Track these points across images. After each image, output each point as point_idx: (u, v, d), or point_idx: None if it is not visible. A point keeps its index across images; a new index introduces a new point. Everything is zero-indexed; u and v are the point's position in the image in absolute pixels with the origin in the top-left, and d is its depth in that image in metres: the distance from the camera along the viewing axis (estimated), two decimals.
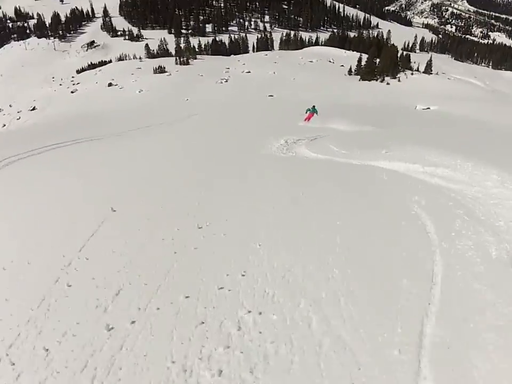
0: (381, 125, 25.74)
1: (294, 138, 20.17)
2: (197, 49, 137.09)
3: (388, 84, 77.59)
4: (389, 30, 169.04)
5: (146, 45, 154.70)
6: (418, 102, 53.65)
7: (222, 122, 30.68)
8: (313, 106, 30.43)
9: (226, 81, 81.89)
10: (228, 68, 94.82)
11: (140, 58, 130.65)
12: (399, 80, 78.58)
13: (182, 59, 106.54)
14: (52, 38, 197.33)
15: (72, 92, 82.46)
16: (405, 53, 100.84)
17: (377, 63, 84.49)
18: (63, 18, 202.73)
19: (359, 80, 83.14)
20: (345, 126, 25.36)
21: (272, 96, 64.61)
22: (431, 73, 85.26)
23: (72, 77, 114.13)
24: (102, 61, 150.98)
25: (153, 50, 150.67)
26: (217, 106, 47.13)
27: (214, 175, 11.96)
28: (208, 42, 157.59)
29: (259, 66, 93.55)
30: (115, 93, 74.99)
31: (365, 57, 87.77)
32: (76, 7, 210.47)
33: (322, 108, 31.42)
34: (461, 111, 43.07)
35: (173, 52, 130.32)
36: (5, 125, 68.53)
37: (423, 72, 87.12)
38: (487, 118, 34.31)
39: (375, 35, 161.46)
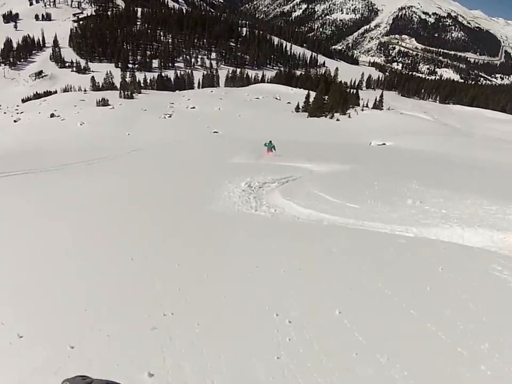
0: (348, 162, 22.04)
1: (258, 180, 16.43)
2: (142, 84, 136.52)
3: (337, 120, 74.33)
4: (337, 68, 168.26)
5: (92, 77, 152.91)
6: (372, 137, 50.74)
7: (164, 160, 28.71)
8: (270, 141, 30.00)
9: (170, 116, 78.54)
10: (173, 103, 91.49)
11: (85, 90, 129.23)
12: (349, 116, 75.53)
13: (126, 93, 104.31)
14: (3, 64, 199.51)
15: (15, 121, 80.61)
16: (352, 90, 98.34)
17: (325, 99, 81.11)
18: (15, 45, 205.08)
19: (308, 117, 79.76)
20: (314, 165, 21.29)
21: (217, 132, 61.92)
22: (382, 109, 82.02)
23: (17, 106, 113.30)
24: (47, 91, 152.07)
25: (98, 83, 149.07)
26: (160, 142, 45.04)
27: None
28: (153, 77, 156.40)
29: (204, 102, 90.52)
30: (56, 125, 71.95)
31: (312, 94, 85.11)
32: (28, 34, 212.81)
33: (276, 145, 30.20)
34: (418, 146, 40.76)
35: (118, 86, 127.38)
36: None
37: (374, 108, 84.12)
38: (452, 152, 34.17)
39: (323, 72, 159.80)
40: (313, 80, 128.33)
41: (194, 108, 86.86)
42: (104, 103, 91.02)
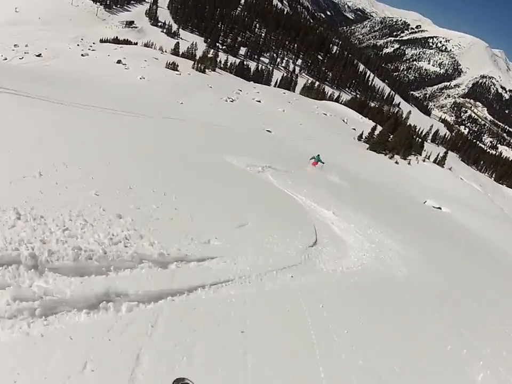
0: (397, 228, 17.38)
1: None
2: (222, 65, 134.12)
3: (396, 162, 68.49)
4: (410, 111, 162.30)
5: (177, 42, 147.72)
6: (427, 195, 44.50)
7: (202, 142, 24.47)
8: (318, 155, 29.95)
9: (232, 101, 74.42)
10: (240, 90, 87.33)
11: (162, 51, 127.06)
12: (409, 163, 69.56)
13: (199, 65, 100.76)
14: (99, 3, 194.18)
15: (82, 55, 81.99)
16: (418, 138, 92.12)
17: (390, 138, 75.37)
18: None
19: (367, 149, 74.10)
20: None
21: (270, 132, 56.74)
22: (443, 167, 75.60)
23: (93, 43, 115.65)
24: (127, 39, 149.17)
25: (180, 50, 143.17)
26: (208, 122, 39.40)
27: None
28: (235, 62, 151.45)
29: (271, 100, 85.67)
30: (118, 71, 71.16)
31: (379, 128, 79.91)
32: None
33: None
34: (475, 224, 35.22)
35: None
36: (6, 59, 75.04)
37: (435, 163, 77.74)
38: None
39: (395, 111, 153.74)
40: (383, 115, 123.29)
41: (260, 101, 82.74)
42: (173, 67, 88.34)
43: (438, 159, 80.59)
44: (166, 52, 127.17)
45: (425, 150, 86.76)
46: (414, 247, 14.02)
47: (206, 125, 36.14)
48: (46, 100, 17.21)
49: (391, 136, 76.71)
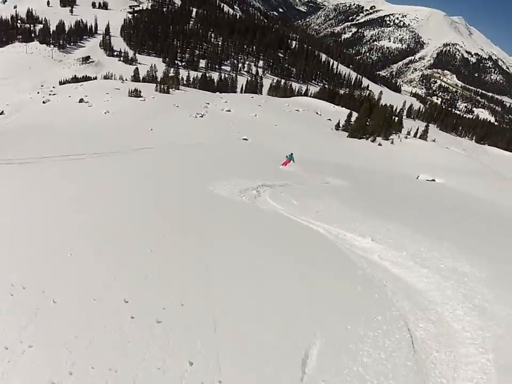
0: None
1: None
2: (185, 82, 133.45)
3: (380, 144, 66.93)
4: (381, 91, 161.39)
5: (136, 68, 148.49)
6: (418, 170, 43.03)
7: (179, 170, 21.82)
8: (291, 154, 30.11)
9: (202, 116, 72.64)
10: (208, 103, 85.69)
11: (122, 79, 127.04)
12: (392, 142, 68.10)
13: (162, 87, 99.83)
14: (52, 46, 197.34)
15: (43, 102, 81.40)
16: (394, 117, 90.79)
17: (368, 122, 74.00)
18: (67, 29, 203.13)
19: (348, 136, 72.67)
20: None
21: (246, 140, 54.56)
22: (427, 140, 74.19)
23: (53, 87, 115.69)
24: (86, 76, 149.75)
25: (140, 75, 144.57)
26: (182, 142, 38.74)
27: None
28: (197, 76, 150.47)
29: (241, 107, 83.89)
30: (81, 110, 70.36)
31: (355, 114, 78.39)
32: (81, 19, 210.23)
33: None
34: (470, 188, 35.07)
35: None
36: None
37: (419, 138, 76.29)
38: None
39: (367, 94, 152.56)
40: (356, 100, 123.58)
41: (229, 111, 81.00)
42: (136, 94, 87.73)
43: (420, 134, 78.96)
44: (126, 80, 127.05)
45: (403, 127, 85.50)
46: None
47: (180, 147, 34.41)
48: (11, 163, 16.98)
49: (368, 119, 74.96)
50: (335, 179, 25.07)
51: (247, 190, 16.71)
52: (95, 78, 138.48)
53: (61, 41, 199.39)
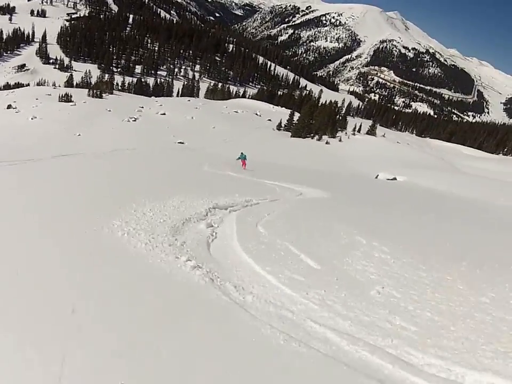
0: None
1: None
2: (120, 87, 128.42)
3: (327, 143, 62.66)
4: (321, 90, 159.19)
5: (71, 75, 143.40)
6: (374, 168, 38.78)
7: (98, 185, 14.98)
8: (242, 153, 29.79)
9: (135, 120, 68.45)
10: (142, 107, 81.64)
11: (54, 85, 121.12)
12: (340, 140, 63.79)
13: (95, 91, 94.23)
14: None
15: None
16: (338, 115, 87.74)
17: (312, 120, 69.78)
18: (5, 37, 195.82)
19: (291, 136, 69.02)
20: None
21: (182, 143, 50.79)
22: (375, 136, 70.38)
23: None
24: (18, 82, 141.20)
25: (74, 81, 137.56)
26: (109, 149, 33.61)
27: None
28: (132, 81, 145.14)
29: (177, 110, 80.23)
30: (7, 116, 64.64)
31: (297, 114, 75.41)
32: (19, 27, 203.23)
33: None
34: (431, 183, 32.99)
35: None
36: None
37: (366, 134, 72.59)
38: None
39: (307, 93, 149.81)
40: (295, 100, 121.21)
41: (164, 114, 76.99)
42: (67, 99, 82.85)
43: (367, 130, 75.51)
44: (59, 86, 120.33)
45: (348, 124, 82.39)
46: None
47: (105, 154, 29.09)
48: None
49: (311, 118, 71.03)
50: (314, 190, 19.22)
51: (195, 217, 10.22)
52: (28, 85, 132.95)
53: None
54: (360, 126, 78.09)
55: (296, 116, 74.53)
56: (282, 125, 76.38)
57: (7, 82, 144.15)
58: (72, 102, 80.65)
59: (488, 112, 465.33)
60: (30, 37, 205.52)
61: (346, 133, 69.00)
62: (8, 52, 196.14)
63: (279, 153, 47.36)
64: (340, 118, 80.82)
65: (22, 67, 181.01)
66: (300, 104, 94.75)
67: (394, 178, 33.69)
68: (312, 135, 67.91)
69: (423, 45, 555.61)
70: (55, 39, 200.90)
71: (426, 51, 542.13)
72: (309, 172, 32.84)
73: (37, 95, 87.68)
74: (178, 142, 50.72)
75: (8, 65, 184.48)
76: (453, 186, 31.49)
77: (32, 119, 62.11)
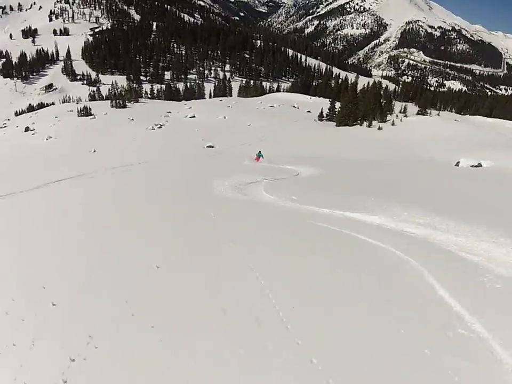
0: None
1: None
2: (148, 95, 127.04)
3: (379, 128, 55.50)
4: (357, 75, 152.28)
5: (98, 88, 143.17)
6: (446, 153, 32.00)
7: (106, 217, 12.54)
8: (260, 151, 31.04)
9: (161, 127, 62.80)
10: (169, 112, 77.02)
11: (77, 101, 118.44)
12: (393, 124, 56.93)
13: (117, 101, 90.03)
14: (15, 78, 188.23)
15: None
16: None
17: (357, 106, 63.60)
18: (29, 59, 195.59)
19: (336, 125, 63.34)
20: None
21: (212, 147, 44.63)
22: (430, 115, 63.66)
23: (7, 119, 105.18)
24: (43, 103, 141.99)
25: (104, 94, 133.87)
26: (125, 164, 28.26)
27: None
28: (161, 88, 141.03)
29: (208, 111, 75.15)
30: (22, 139, 60.82)
31: (338, 103, 69.46)
32: (42, 48, 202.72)
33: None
34: None
35: None
36: None
37: (418, 114, 65.99)
38: None
39: (343, 80, 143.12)
40: (333, 88, 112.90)
41: (194, 116, 72.06)
42: (86, 112, 79.04)
43: (417, 111, 69.11)
44: (85, 100, 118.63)
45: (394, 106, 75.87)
46: None
47: (120, 172, 24.39)
48: None
49: (357, 103, 64.51)
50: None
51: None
52: (53, 103, 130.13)
53: (23, 72, 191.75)
54: (406, 108, 71.54)
55: (338, 104, 68.71)
56: (324, 115, 71.04)
57: (30, 104, 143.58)
58: (92, 115, 76.94)
59: None
60: (54, 56, 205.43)
61: (397, 116, 62.27)
62: (34, 74, 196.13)
63: (332, 147, 41.13)
64: (384, 101, 74.11)
65: (49, 87, 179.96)
66: (338, 92, 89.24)
67: (480, 165, 26.81)
68: (359, 121, 61.76)
69: (448, 22, 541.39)
70: (79, 55, 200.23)
71: (452, 28, 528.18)
72: (374, 163, 26.74)
73: (57, 112, 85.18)
74: (207, 146, 44.88)
75: (35, 87, 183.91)
76: None
77: (47, 139, 58.17)
